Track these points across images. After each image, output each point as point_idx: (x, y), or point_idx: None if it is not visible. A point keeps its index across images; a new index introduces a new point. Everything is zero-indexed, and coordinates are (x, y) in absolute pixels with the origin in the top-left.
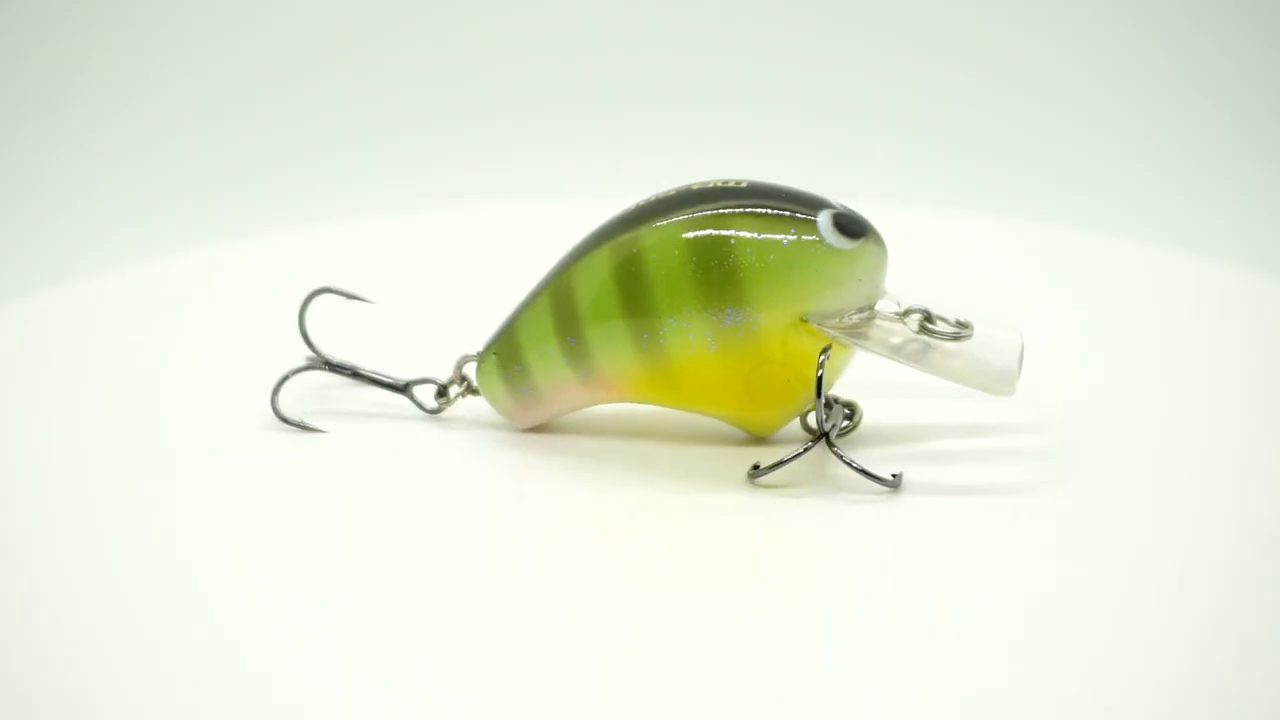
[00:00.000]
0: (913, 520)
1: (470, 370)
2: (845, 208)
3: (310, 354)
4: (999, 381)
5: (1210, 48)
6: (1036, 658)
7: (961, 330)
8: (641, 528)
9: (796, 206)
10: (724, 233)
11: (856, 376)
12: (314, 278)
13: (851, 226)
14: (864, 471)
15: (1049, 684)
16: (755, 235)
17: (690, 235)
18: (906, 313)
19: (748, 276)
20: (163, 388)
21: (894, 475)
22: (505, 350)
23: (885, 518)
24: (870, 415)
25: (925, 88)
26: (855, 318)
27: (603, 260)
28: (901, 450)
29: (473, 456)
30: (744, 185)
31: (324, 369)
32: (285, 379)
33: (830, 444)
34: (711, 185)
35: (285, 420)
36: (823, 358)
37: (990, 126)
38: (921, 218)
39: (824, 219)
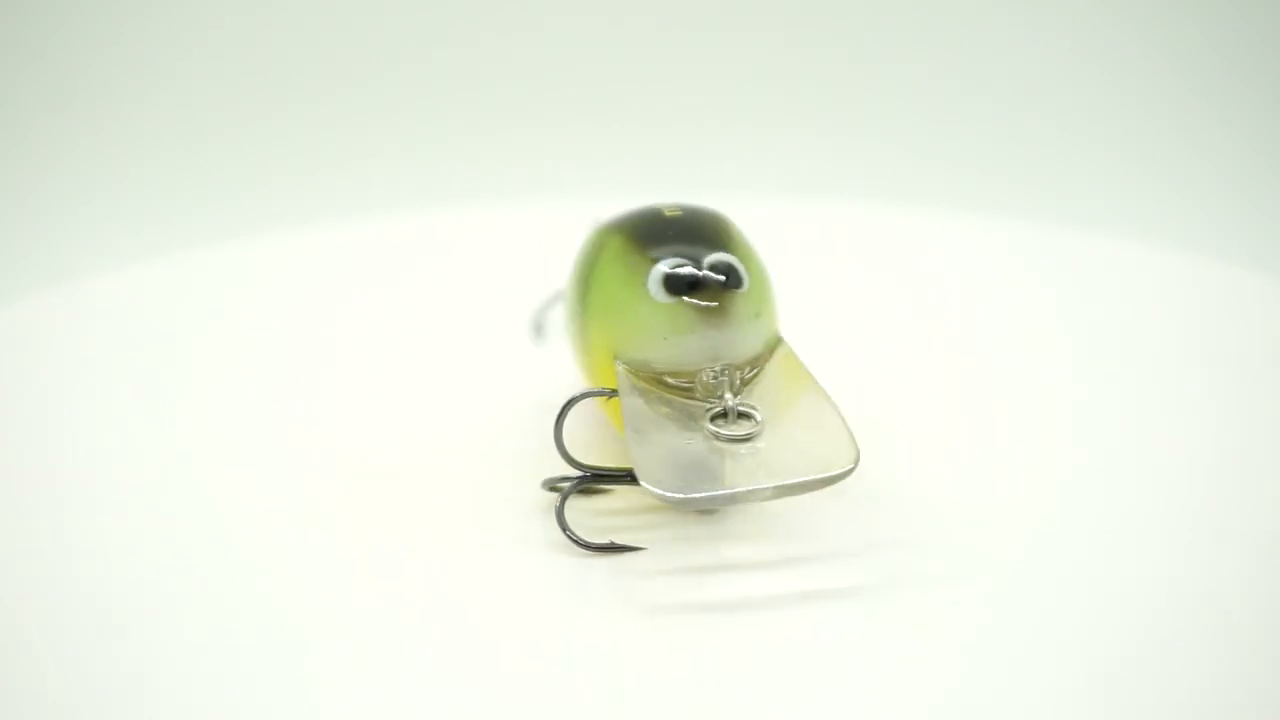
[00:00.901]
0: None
1: None
2: (707, 266)
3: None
4: (665, 489)
5: (1210, 48)
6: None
7: (752, 431)
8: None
9: (661, 246)
10: (601, 247)
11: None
12: (316, 276)
13: (677, 282)
14: (567, 530)
15: None
16: (611, 260)
17: (592, 238)
18: (712, 396)
19: (590, 292)
20: (163, 386)
21: (610, 542)
22: None
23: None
24: None
25: (925, 88)
26: (671, 380)
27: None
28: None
29: None
30: (672, 215)
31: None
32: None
33: (569, 491)
34: (658, 205)
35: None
36: (580, 396)
37: (990, 126)
38: (921, 217)
39: (661, 267)
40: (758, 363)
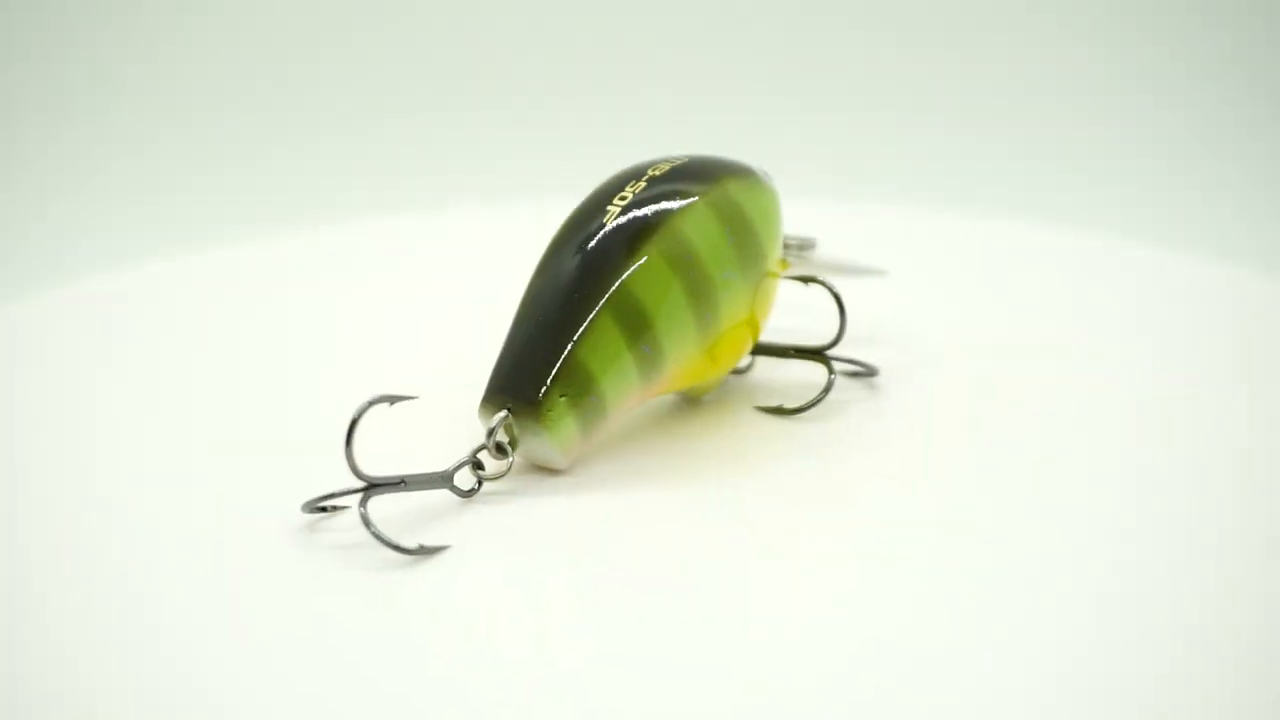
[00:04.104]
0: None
1: (501, 432)
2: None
3: (359, 482)
4: (871, 266)
5: (1211, 49)
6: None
7: (806, 241)
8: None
9: (739, 165)
10: (731, 198)
11: None
12: (317, 277)
13: (768, 174)
14: (855, 361)
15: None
16: (748, 194)
17: (713, 209)
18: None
19: (760, 229)
20: (164, 386)
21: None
22: (575, 386)
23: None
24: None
25: (926, 88)
26: None
27: (657, 261)
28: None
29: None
30: (688, 159)
31: (373, 492)
32: (370, 525)
33: (829, 361)
34: (666, 166)
35: (409, 551)
36: (836, 288)
37: (990, 127)
38: (922, 218)
39: (759, 170)
40: None
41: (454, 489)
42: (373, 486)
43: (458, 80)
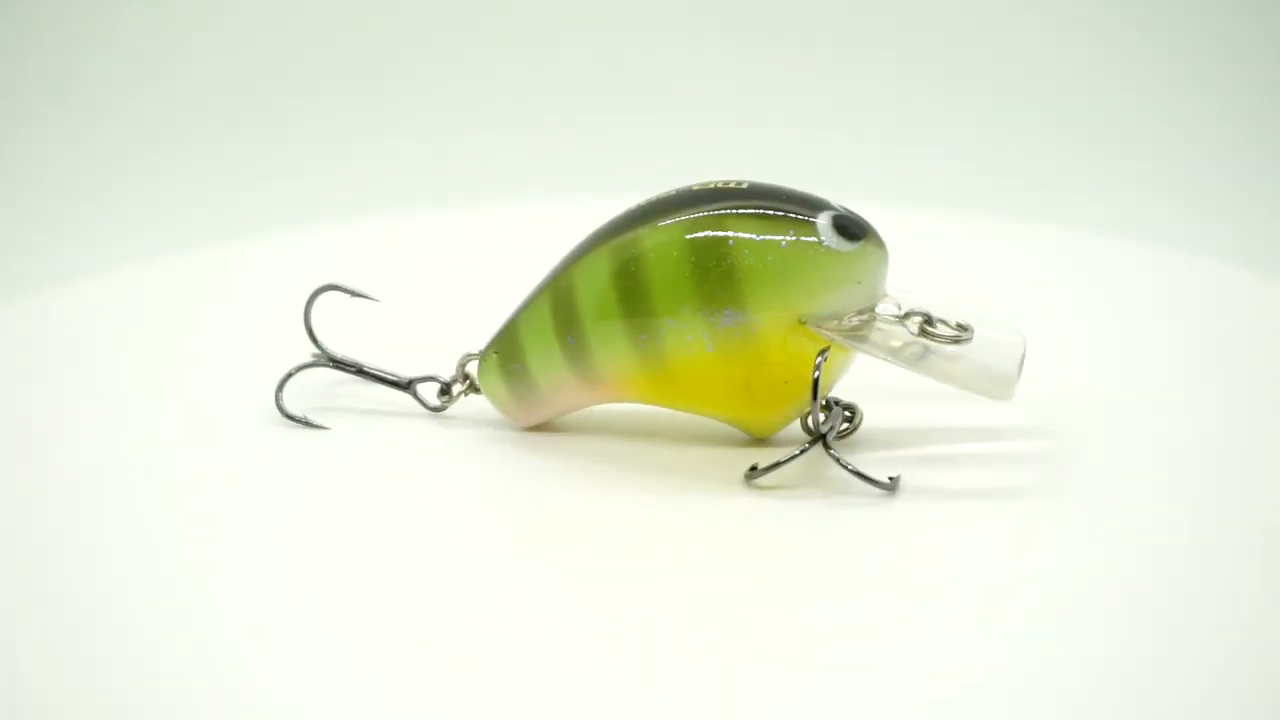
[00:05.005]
0: (908, 523)
1: (473, 368)
2: (846, 210)
3: (315, 350)
4: (997, 386)
5: (1209, 48)
6: (1032, 661)
7: (961, 334)
8: (632, 528)
9: (796, 208)
10: (722, 234)
11: (858, 379)
12: (317, 277)
13: (851, 229)
14: (859, 474)
15: (1044, 685)
16: (753, 236)
17: (688, 236)
18: (907, 315)
19: (746, 278)
20: (164, 386)
21: (890, 478)
22: (506, 349)
23: (881, 520)
24: (871, 418)
25: (926, 88)
26: (855, 320)
27: (602, 261)
28: (901, 454)
29: (474, 456)
30: (744, 186)
31: (328, 365)
32: (290, 375)
33: (827, 446)
34: (712, 186)
35: (289, 416)
36: (820, 360)
37: (990, 127)
38: (921, 218)
39: (823, 221)
40: None
41: (417, 397)
42: (333, 361)
43: (468, 80)
